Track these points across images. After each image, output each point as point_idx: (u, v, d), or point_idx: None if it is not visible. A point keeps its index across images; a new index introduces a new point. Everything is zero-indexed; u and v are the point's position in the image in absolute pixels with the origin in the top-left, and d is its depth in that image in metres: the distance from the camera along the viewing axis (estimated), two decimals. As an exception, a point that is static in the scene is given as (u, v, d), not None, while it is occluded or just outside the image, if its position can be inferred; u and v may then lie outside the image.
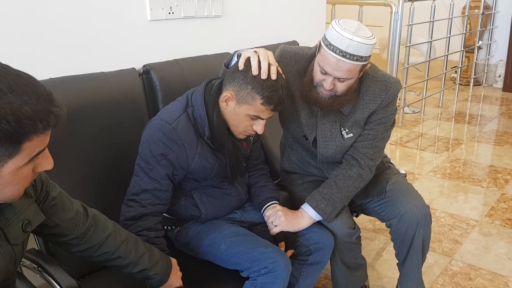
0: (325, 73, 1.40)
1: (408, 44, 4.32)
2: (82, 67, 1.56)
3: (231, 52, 2.02)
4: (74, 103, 1.46)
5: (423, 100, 4.77)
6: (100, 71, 1.58)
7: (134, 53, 1.75)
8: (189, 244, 1.49)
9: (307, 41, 2.31)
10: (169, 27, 1.85)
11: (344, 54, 1.34)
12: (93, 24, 1.61)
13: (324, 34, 1.39)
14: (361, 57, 1.35)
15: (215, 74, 1.59)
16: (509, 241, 2.37)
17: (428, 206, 1.61)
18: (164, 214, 1.48)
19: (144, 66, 1.72)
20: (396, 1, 3.94)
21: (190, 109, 1.39)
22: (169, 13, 1.82)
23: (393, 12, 3.98)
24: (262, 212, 1.58)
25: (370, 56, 1.39)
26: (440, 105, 5.01)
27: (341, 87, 1.43)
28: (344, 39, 1.32)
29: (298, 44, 2.33)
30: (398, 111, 4.49)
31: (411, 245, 1.61)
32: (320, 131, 1.58)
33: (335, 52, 1.34)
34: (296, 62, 1.57)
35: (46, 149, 0.83)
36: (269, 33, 2.29)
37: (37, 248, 1.35)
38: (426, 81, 4.72)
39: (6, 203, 0.86)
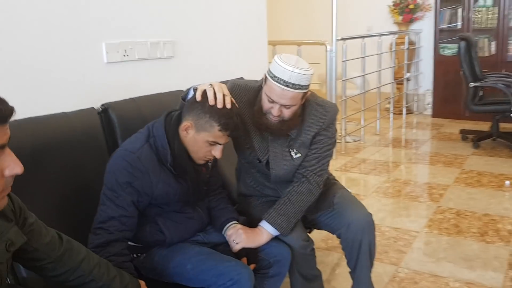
0: (272, 101, 1.59)
1: (344, 78, 4.68)
2: (44, 109, 1.64)
3: (184, 89, 2.18)
4: (38, 143, 1.55)
5: (362, 129, 5.13)
6: (61, 111, 1.67)
7: (93, 93, 1.86)
8: (155, 268, 1.57)
9: (253, 77, 2.50)
10: (125, 68, 1.99)
11: (287, 84, 1.53)
12: (54, 68, 1.72)
13: (269, 68, 1.58)
14: (302, 85, 1.55)
15: (170, 110, 1.72)
16: (447, 247, 2.62)
17: (371, 214, 1.81)
18: (129, 242, 1.56)
19: (102, 105, 1.83)
20: (330, 40, 4.31)
21: (151, 139, 1.51)
22: (124, 55, 1.97)
23: (328, 50, 4.34)
24: (223, 232, 1.69)
25: (309, 84, 1.59)
26: (378, 133, 5.40)
27: (287, 113, 1.62)
28: (286, 71, 1.52)
29: (244, 80, 2.53)
30: (340, 141, 4.81)
31: (360, 250, 1.78)
32: (271, 153, 1.75)
33: (279, 83, 1.54)
34: (246, 93, 1.75)
35: (11, 152, 0.90)
36: (218, 71, 2.48)
37: (8, 282, 1.39)
38: (363, 111, 5.10)
39: None
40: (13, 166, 0.92)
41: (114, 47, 1.92)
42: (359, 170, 4.16)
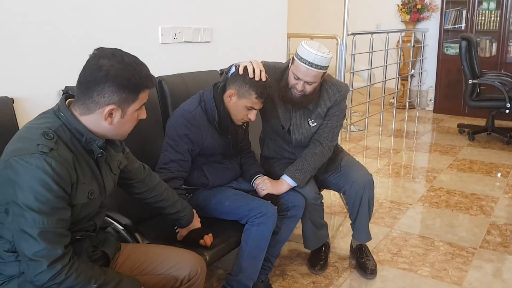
0: (298, 78, 2.00)
1: (352, 71, 5.08)
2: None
3: (218, 69, 2.62)
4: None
5: (366, 119, 5.53)
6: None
7: (149, 68, 2.27)
8: (199, 205, 1.99)
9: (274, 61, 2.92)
10: (174, 49, 2.41)
11: (311, 64, 1.94)
12: (122, 45, 2.12)
13: (296, 51, 1.99)
14: (323, 66, 1.96)
15: (206, 85, 2.13)
16: (435, 217, 3.04)
17: (371, 174, 2.23)
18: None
19: (157, 77, 2.24)
20: (341, 34, 4.69)
21: (202, 104, 1.94)
22: (174, 38, 2.39)
23: (339, 44, 4.73)
24: (251, 182, 2.12)
25: (328, 66, 2.00)
26: (381, 124, 5.79)
27: (309, 88, 2.03)
28: (311, 54, 1.93)
29: (267, 65, 2.94)
30: (345, 129, 5.21)
31: (361, 203, 2.20)
32: (293, 121, 2.16)
33: (305, 63, 1.95)
34: (274, 72, 2.16)
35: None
36: (245, 55, 2.87)
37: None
38: (368, 103, 5.50)
39: (113, 144, 1.37)
40: (143, 114, 1.35)
41: (167, 31, 2.33)
42: (362, 155, 4.57)
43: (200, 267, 1.53)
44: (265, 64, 2.17)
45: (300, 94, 2.06)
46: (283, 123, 2.18)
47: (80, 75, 1.25)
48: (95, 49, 1.26)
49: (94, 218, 1.37)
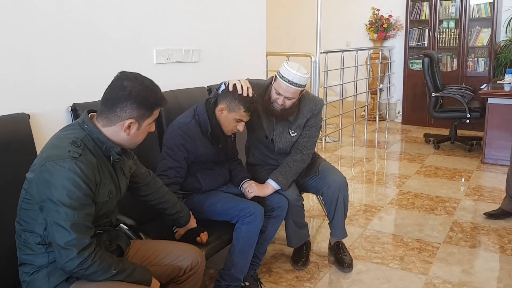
0: (279, 94, 2.27)
1: (325, 86, 5.42)
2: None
3: (205, 85, 2.86)
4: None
5: (340, 131, 5.86)
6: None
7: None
8: (194, 208, 2.20)
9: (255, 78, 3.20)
10: (167, 68, 2.65)
11: (291, 82, 2.22)
12: (119, 66, 2.35)
13: (279, 70, 2.27)
14: (301, 85, 2.24)
15: (196, 101, 2.37)
16: (404, 217, 3.34)
17: (345, 177, 2.50)
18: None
19: (151, 94, 2.48)
20: (315, 52, 5.03)
21: (196, 117, 2.18)
22: (167, 59, 2.63)
23: (313, 61, 5.06)
24: (240, 186, 2.36)
25: (306, 84, 2.28)
26: (353, 135, 6.14)
27: (289, 103, 2.30)
28: (291, 74, 2.21)
29: (249, 82, 3.21)
30: (321, 140, 5.52)
31: (337, 203, 2.48)
32: (276, 132, 2.43)
33: (285, 81, 2.22)
34: (258, 88, 2.42)
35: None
36: (230, 73, 3.14)
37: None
38: (341, 115, 5.84)
39: (125, 152, 1.59)
40: (152, 128, 1.58)
41: (161, 52, 2.58)
42: (338, 164, 4.87)
43: (201, 258, 1.76)
44: (250, 82, 2.43)
45: (281, 108, 2.32)
46: (267, 133, 2.44)
47: (105, 93, 1.48)
48: (119, 73, 1.50)
49: (110, 215, 1.59)
